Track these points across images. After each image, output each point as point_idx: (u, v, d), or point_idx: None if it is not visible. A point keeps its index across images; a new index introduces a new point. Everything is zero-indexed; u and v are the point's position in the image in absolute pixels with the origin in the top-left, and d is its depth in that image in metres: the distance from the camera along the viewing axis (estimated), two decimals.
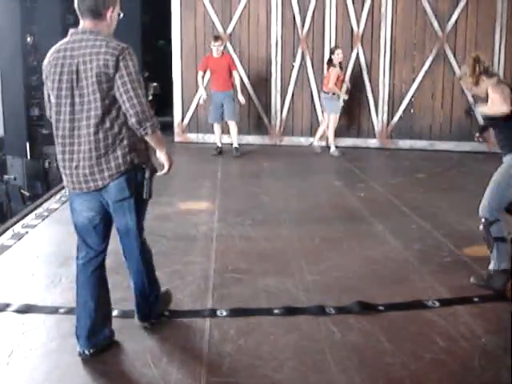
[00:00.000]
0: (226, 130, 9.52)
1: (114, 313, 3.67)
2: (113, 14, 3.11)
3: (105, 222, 3.23)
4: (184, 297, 3.98)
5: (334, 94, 9.25)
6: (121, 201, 3.13)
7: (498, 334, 3.51)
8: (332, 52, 9.29)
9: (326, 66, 9.49)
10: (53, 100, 3.07)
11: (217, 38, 9.23)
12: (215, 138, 9.50)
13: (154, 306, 3.53)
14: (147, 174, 3.14)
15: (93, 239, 3.26)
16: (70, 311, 3.75)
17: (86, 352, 3.21)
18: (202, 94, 9.24)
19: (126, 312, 3.69)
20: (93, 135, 3.00)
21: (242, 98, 9.17)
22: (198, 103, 9.67)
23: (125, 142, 3.04)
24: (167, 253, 4.90)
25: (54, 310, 3.80)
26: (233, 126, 9.29)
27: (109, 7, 3.08)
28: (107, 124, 3.00)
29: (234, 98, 9.15)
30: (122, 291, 4.05)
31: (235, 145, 9.34)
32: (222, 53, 9.25)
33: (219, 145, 9.42)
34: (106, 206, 3.17)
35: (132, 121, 2.97)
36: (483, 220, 4.10)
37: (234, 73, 9.19)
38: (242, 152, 9.42)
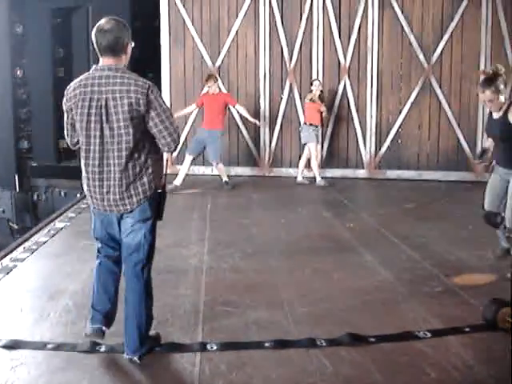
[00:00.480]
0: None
1: (102, 348, 3.64)
2: (129, 48, 3.35)
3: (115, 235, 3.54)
4: (174, 330, 3.95)
5: (311, 124, 9.38)
6: (143, 221, 3.42)
7: (489, 363, 3.50)
8: (311, 84, 9.53)
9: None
10: (81, 132, 3.31)
11: (209, 76, 9.19)
12: (182, 168, 9.20)
13: (146, 340, 3.55)
14: (163, 198, 3.47)
15: (111, 244, 3.61)
16: (58, 347, 3.72)
17: (104, 328, 3.58)
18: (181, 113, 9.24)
19: (113, 347, 3.65)
20: (124, 165, 3.27)
21: (255, 121, 9.36)
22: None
23: (150, 170, 3.36)
24: (157, 286, 4.80)
25: (42, 346, 3.74)
26: (218, 166, 9.27)
27: (128, 44, 3.33)
28: (136, 155, 3.28)
29: (218, 138, 9.07)
30: (112, 325, 4.03)
31: (225, 179, 9.33)
32: (220, 90, 9.33)
33: (180, 181, 9.09)
34: (119, 225, 3.47)
35: (170, 145, 3.34)
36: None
37: (237, 107, 9.31)
38: (231, 183, 9.45)
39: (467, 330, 3.97)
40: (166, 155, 3.71)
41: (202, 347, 3.68)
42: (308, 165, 9.69)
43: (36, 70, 11.85)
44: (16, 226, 11.71)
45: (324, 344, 3.72)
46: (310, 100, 9.43)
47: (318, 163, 9.55)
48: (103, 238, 3.57)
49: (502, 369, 3.44)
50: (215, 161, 9.19)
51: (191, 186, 9.23)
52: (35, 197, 12.13)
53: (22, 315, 4.31)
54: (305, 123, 9.57)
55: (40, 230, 6.87)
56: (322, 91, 9.61)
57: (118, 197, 3.32)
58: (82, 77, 3.33)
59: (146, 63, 11.70)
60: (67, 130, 3.43)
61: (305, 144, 9.58)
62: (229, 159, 10.51)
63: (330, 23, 10.11)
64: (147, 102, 3.21)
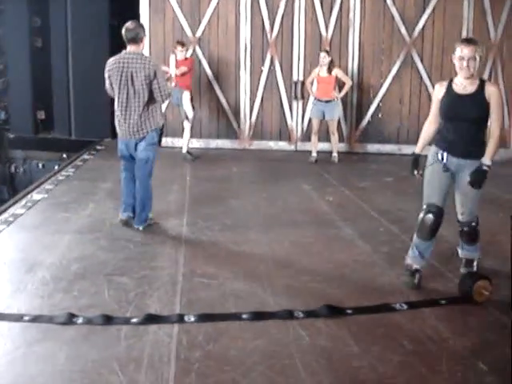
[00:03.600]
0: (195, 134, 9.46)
1: (79, 320, 3.63)
2: (144, 40, 5.49)
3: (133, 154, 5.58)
4: (151, 302, 3.94)
5: (318, 100, 9.26)
6: (151, 144, 5.50)
7: (464, 336, 3.55)
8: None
9: None
10: (116, 89, 5.41)
11: (182, 43, 9.21)
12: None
13: (146, 219, 5.62)
14: (162, 130, 5.22)
15: (130, 160, 5.63)
16: (35, 319, 3.70)
17: (131, 215, 5.66)
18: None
19: (91, 319, 3.64)
20: (141, 110, 5.37)
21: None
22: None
23: (155, 113, 5.47)
24: (135, 258, 4.85)
25: (18, 318, 3.72)
26: (187, 127, 9.26)
27: (143, 37, 5.46)
28: (147, 104, 5.37)
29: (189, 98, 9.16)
30: (89, 297, 4.03)
31: (184, 150, 9.31)
32: (186, 58, 9.29)
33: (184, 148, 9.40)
34: (135, 146, 5.50)
35: (162, 98, 5.41)
36: (473, 224, 4.33)
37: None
38: (211, 156, 9.39)
39: (443, 302, 4.03)
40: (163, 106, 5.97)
41: (180, 319, 3.68)
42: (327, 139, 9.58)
43: (13, 40, 11.60)
44: None
45: (301, 316, 3.74)
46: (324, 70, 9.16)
47: (316, 139, 9.38)
48: (126, 156, 5.61)
49: (476, 341, 3.49)
50: (188, 120, 9.17)
51: (170, 158, 9.15)
52: (13, 169, 11.98)
53: None
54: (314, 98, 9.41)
55: (17, 201, 6.78)
56: (331, 61, 9.20)
57: (135, 129, 5.40)
58: (116, 56, 5.41)
59: None
60: (108, 87, 5.53)
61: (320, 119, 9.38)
62: (208, 131, 10.44)
63: None
64: (154, 74, 5.30)
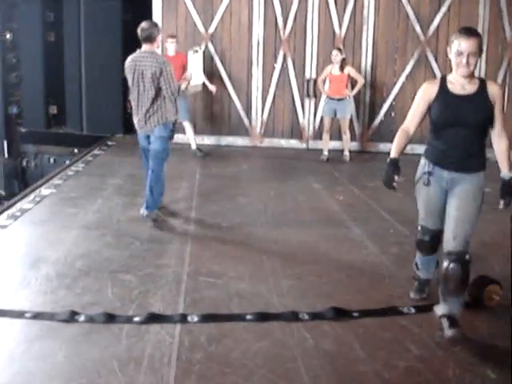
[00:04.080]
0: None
1: (81, 318, 3.59)
2: (159, 40, 5.70)
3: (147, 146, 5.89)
4: (155, 301, 3.89)
5: (331, 98, 9.15)
6: (160, 137, 5.72)
7: (473, 341, 3.46)
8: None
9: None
10: (131, 85, 5.70)
11: (172, 35, 9.19)
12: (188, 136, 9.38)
13: (155, 206, 5.79)
14: (174, 125, 5.88)
15: (146, 150, 5.91)
16: (37, 316, 3.67)
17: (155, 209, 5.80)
18: None
19: (93, 317, 3.60)
20: (150, 104, 5.63)
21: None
22: None
23: (163, 108, 5.68)
24: (140, 255, 4.81)
25: (20, 314, 3.69)
26: (187, 126, 9.21)
27: (157, 36, 5.66)
28: (156, 98, 5.62)
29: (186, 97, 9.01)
30: (92, 295, 3.99)
31: (194, 147, 9.27)
32: (176, 52, 9.19)
33: (193, 145, 9.35)
34: (149, 140, 5.81)
35: (170, 94, 5.62)
36: (467, 257, 3.47)
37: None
38: (222, 153, 9.33)
39: None
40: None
41: (183, 319, 3.63)
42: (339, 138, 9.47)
43: (26, 34, 11.60)
44: (3, 193, 11.57)
45: (306, 318, 3.68)
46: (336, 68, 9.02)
47: (326, 137, 9.28)
48: (142, 147, 5.96)
49: (485, 347, 3.40)
50: (187, 119, 9.08)
51: (182, 155, 9.09)
52: (24, 163, 11.97)
53: (2, 283, 4.23)
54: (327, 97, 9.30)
55: (25, 196, 6.76)
56: (343, 60, 9.04)
57: (143, 122, 5.70)
58: (133, 54, 5.72)
59: None
60: (129, 83, 5.77)
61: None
62: (220, 128, 10.38)
63: None
64: (160, 72, 5.53)
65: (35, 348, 3.28)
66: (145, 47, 5.66)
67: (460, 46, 3.35)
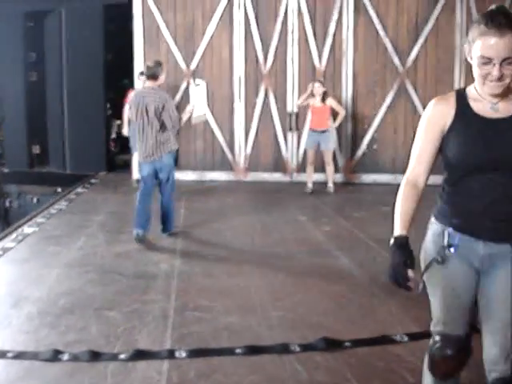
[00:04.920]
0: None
1: (65, 357, 3.47)
2: (162, 76, 6.21)
3: (155, 176, 6.25)
4: (141, 338, 3.78)
5: (313, 130, 9.19)
6: (169, 165, 6.23)
7: (468, 368, 3.38)
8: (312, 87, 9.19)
9: None
10: (135, 119, 6.19)
11: (141, 72, 9.16)
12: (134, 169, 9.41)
13: (171, 224, 6.39)
14: (177, 154, 6.20)
15: (151, 179, 6.24)
16: (19, 355, 3.54)
17: (141, 233, 6.06)
18: (126, 131, 9.51)
19: (77, 356, 3.48)
20: (155, 137, 6.08)
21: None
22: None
23: (167, 139, 6.12)
24: (126, 292, 4.70)
25: (2, 354, 3.56)
26: None
27: (160, 75, 6.17)
28: (160, 131, 6.06)
29: None
30: (76, 333, 3.88)
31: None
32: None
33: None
34: (156, 169, 6.19)
35: (172, 127, 6.08)
36: None
37: None
38: (206, 188, 9.29)
39: None
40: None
41: (170, 354, 3.52)
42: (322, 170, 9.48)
43: (8, 74, 11.59)
44: None
45: (298, 349, 3.59)
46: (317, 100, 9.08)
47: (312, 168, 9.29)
48: (145, 176, 6.23)
49: (481, 374, 3.32)
50: None
51: None
52: (7, 203, 11.82)
53: None
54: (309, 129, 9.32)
55: (7, 235, 6.64)
56: (325, 92, 9.07)
57: (151, 152, 6.11)
58: (137, 90, 6.67)
59: (121, 69, 11.57)
60: (128, 114, 6.92)
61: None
62: (203, 164, 10.36)
63: (304, 27, 10.02)
64: (162, 107, 6.00)
65: None
66: (148, 83, 6.20)
67: (487, 48, 2.08)
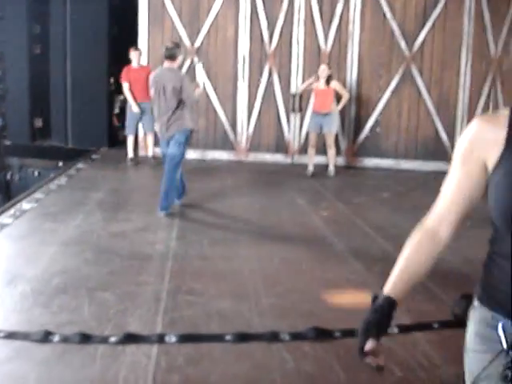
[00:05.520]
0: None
1: (56, 338, 3.48)
2: (179, 58, 6.50)
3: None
4: (132, 321, 3.79)
5: (316, 112, 9.15)
6: (178, 142, 6.38)
7: (457, 363, 3.38)
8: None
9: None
10: (155, 97, 6.40)
11: (135, 47, 9.57)
12: (129, 149, 9.67)
13: (165, 202, 6.42)
14: (191, 132, 6.63)
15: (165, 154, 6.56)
16: (10, 335, 3.55)
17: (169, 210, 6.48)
18: (136, 108, 9.42)
19: (68, 337, 3.49)
20: (171, 113, 6.31)
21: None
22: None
23: (182, 117, 6.35)
24: (119, 272, 4.72)
25: None
26: (151, 137, 9.50)
27: (178, 55, 6.44)
28: (175, 109, 6.30)
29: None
30: (68, 314, 3.89)
31: (130, 155, 9.68)
32: (140, 65, 9.45)
33: (131, 155, 9.67)
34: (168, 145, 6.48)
35: (190, 103, 6.39)
36: None
37: None
38: (207, 167, 9.26)
39: (436, 326, 3.87)
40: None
41: (160, 339, 3.53)
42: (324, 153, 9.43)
43: (12, 46, 11.51)
44: None
45: (287, 338, 3.60)
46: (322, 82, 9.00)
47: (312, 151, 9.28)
48: (164, 152, 6.54)
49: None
50: (152, 131, 9.06)
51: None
52: (8, 176, 11.83)
53: None
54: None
55: (5, 211, 6.64)
56: (330, 75, 9.04)
57: (164, 129, 6.41)
58: (157, 71, 6.59)
59: (125, 43, 11.47)
60: (152, 95, 6.57)
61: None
62: (205, 143, 10.32)
63: (311, 7, 9.91)
64: (180, 86, 6.25)
65: (6, 370, 3.17)
66: (166, 64, 6.44)
67: None
